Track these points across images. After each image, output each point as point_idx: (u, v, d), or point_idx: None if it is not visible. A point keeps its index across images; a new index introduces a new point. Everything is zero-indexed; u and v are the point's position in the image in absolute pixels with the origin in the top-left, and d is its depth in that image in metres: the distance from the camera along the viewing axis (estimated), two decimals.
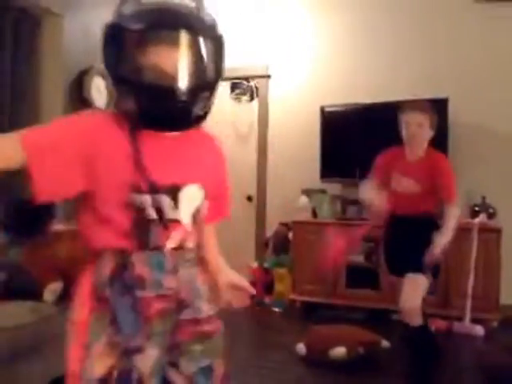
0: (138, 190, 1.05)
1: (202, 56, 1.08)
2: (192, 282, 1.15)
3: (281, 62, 4.75)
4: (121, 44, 1.03)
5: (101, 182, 1.06)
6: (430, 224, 2.47)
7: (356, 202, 4.31)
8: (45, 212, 1.19)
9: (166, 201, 1.08)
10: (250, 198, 4.88)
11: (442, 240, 2.36)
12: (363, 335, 3.02)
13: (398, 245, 2.51)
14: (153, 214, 1.07)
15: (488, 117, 4.16)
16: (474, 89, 4.18)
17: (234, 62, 4.83)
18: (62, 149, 1.03)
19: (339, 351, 2.86)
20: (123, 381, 1.04)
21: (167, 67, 1.03)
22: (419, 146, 2.48)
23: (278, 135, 4.78)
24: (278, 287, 4.36)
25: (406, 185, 2.47)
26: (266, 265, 4.49)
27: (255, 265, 4.57)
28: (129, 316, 1.04)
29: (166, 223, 1.08)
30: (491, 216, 3.85)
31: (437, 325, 3.66)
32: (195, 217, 1.15)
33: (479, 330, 3.56)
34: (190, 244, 1.16)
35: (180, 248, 1.12)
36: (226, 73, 5.49)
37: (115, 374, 1.04)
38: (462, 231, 3.75)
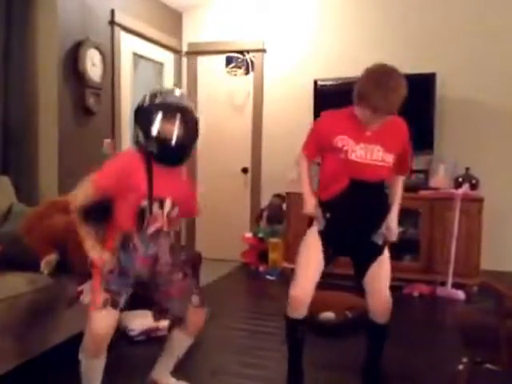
0: (145, 199, 1.95)
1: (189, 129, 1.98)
2: (165, 246, 2.08)
3: (276, 37, 4.82)
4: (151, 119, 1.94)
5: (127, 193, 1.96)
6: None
7: None
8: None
9: (156, 206, 1.98)
10: (245, 170, 5.02)
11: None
12: (350, 300, 3.19)
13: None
14: (147, 213, 1.97)
15: (473, 91, 4.27)
16: (461, 64, 4.28)
17: (231, 35, 4.89)
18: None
19: (328, 315, 3.05)
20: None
21: (173, 134, 1.93)
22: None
23: (273, 108, 4.88)
24: (272, 256, 4.54)
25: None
26: (260, 234, 4.65)
27: (250, 235, 4.74)
28: (129, 266, 1.99)
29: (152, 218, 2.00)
30: (474, 186, 4.01)
31: (420, 289, 3.89)
32: (169, 216, 2.03)
33: (460, 294, 3.77)
34: (165, 228, 2.05)
35: (160, 230, 2.04)
36: (223, 46, 5.56)
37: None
38: (446, 201, 3.95)
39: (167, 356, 2.21)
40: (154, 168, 1.96)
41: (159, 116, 1.92)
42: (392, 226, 2.22)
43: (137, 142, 1.99)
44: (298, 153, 2.36)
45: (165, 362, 2.21)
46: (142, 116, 1.96)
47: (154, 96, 1.97)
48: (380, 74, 2.00)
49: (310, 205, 2.21)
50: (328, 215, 2.18)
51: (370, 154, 2.10)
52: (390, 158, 2.12)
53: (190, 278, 2.16)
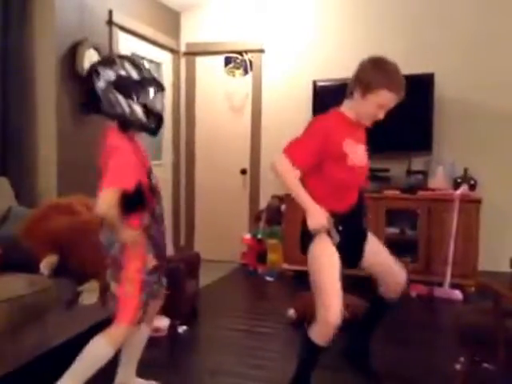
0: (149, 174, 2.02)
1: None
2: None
3: (275, 37, 4.82)
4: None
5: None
6: None
7: None
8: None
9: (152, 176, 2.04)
10: (244, 171, 5.03)
11: None
12: (348, 300, 3.21)
13: None
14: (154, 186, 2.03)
15: (472, 92, 4.29)
16: (460, 64, 4.30)
17: (229, 36, 4.90)
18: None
19: None
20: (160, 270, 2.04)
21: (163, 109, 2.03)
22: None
23: (272, 109, 4.89)
24: (271, 257, 4.55)
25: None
26: (259, 236, 4.65)
27: (249, 236, 4.74)
28: (161, 240, 2.04)
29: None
30: (472, 187, 4.03)
31: (418, 290, 3.90)
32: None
33: (458, 294, 3.79)
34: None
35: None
36: (221, 46, 5.57)
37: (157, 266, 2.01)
38: (445, 201, 3.96)
39: (131, 354, 2.14)
40: (130, 142, 1.98)
41: (161, 92, 1.99)
42: None
43: (120, 116, 1.93)
44: (274, 161, 1.98)
45: (129, 362, 2.15)
46: (135, 89, 1.92)
47: (138, 68, 1.94)
48: (383, 63, 2.02)
49: (322, 217, 1.94)
50: (340, 228, 2.03)
51: (361, 154, 2.08)
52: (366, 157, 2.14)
53: None
